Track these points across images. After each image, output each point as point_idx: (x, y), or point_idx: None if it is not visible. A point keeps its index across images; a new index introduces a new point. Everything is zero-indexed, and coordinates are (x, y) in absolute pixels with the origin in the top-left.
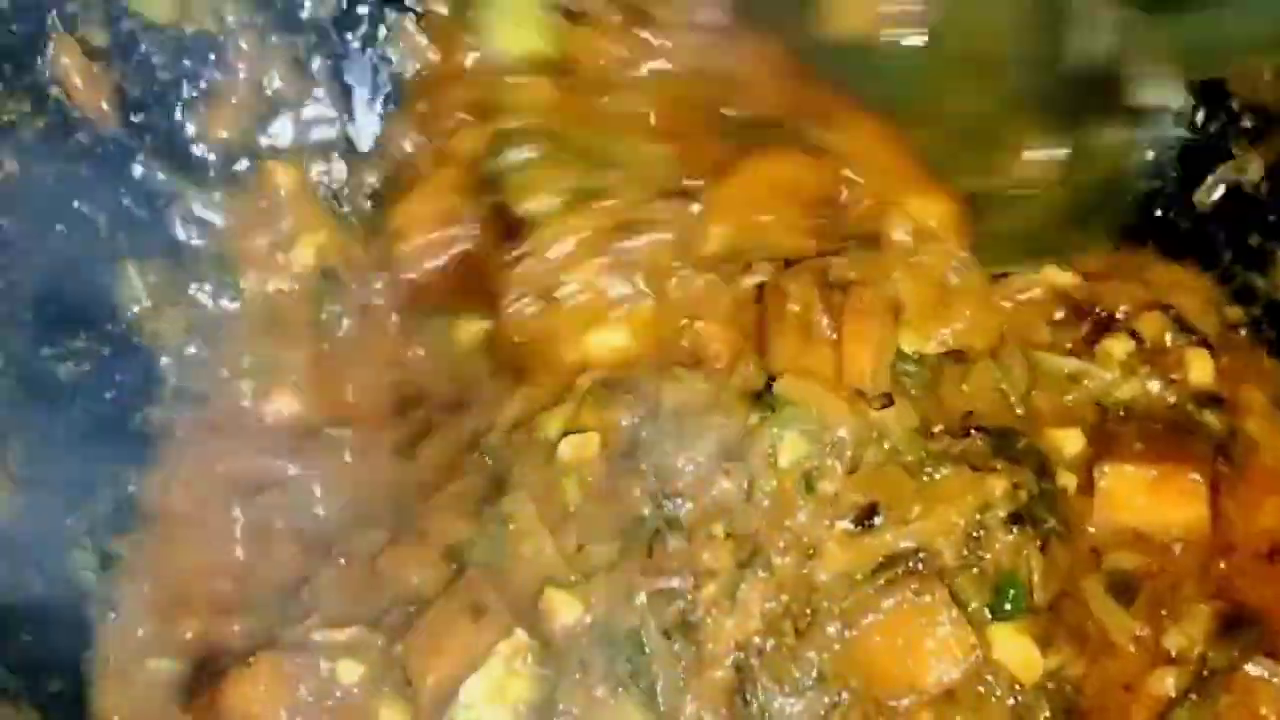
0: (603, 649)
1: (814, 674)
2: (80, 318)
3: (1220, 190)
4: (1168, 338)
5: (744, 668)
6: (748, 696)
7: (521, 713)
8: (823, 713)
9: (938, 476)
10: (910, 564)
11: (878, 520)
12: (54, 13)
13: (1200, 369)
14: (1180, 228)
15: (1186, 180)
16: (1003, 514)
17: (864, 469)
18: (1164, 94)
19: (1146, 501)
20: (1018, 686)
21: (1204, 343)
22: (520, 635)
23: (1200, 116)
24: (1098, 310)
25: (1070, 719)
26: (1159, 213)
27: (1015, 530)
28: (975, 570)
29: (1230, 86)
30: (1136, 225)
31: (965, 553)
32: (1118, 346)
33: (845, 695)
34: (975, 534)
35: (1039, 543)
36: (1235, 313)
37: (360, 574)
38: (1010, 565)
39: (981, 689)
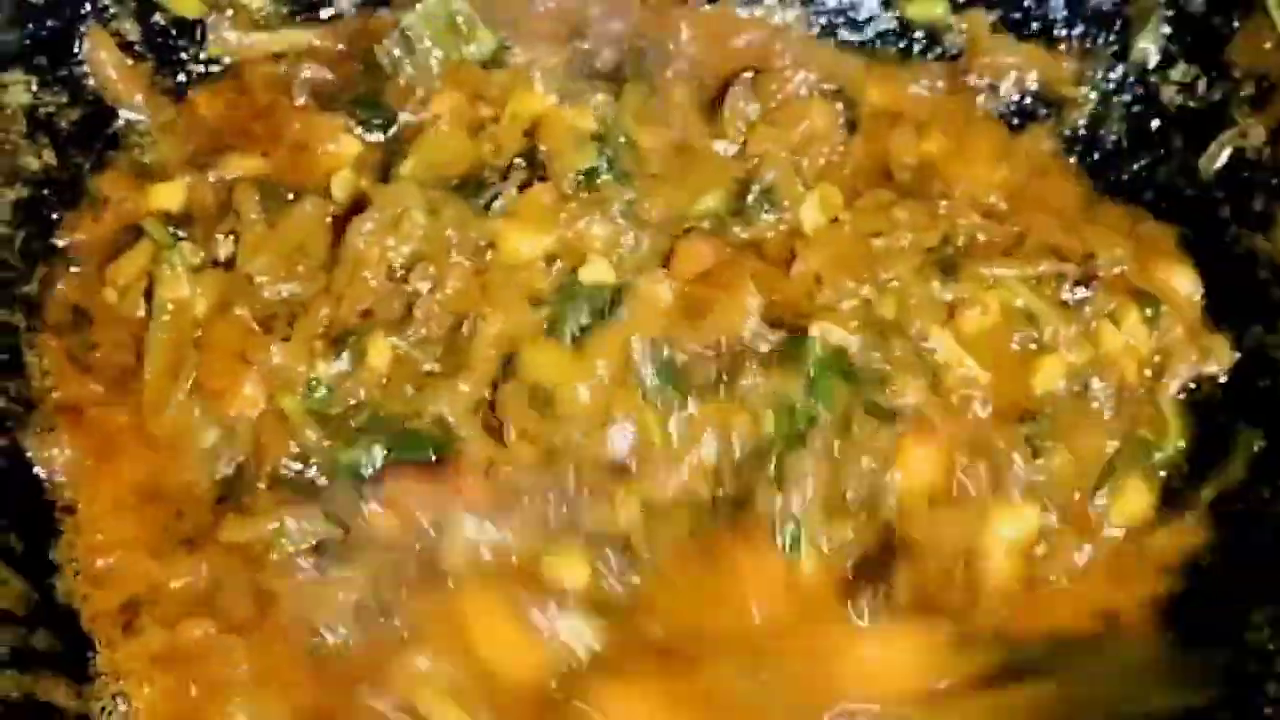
0: None
1: None
2: None
3: (1225, 157)
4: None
5: None
6: None
7: None
8: None
9: None
10: None
11: None
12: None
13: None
14: (1184, 194)
15: (1190, 148)
16: None
17: None
18: None
19: None
20: None
21: None
22: None
23: (1203, 85)
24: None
25: None
26: (1162, 180)
27: None
28: None
29: (1231, 55)
30: (1134, 191)
31: None
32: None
33: None
34: None
35: None
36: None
37: None
38: None
39: None
